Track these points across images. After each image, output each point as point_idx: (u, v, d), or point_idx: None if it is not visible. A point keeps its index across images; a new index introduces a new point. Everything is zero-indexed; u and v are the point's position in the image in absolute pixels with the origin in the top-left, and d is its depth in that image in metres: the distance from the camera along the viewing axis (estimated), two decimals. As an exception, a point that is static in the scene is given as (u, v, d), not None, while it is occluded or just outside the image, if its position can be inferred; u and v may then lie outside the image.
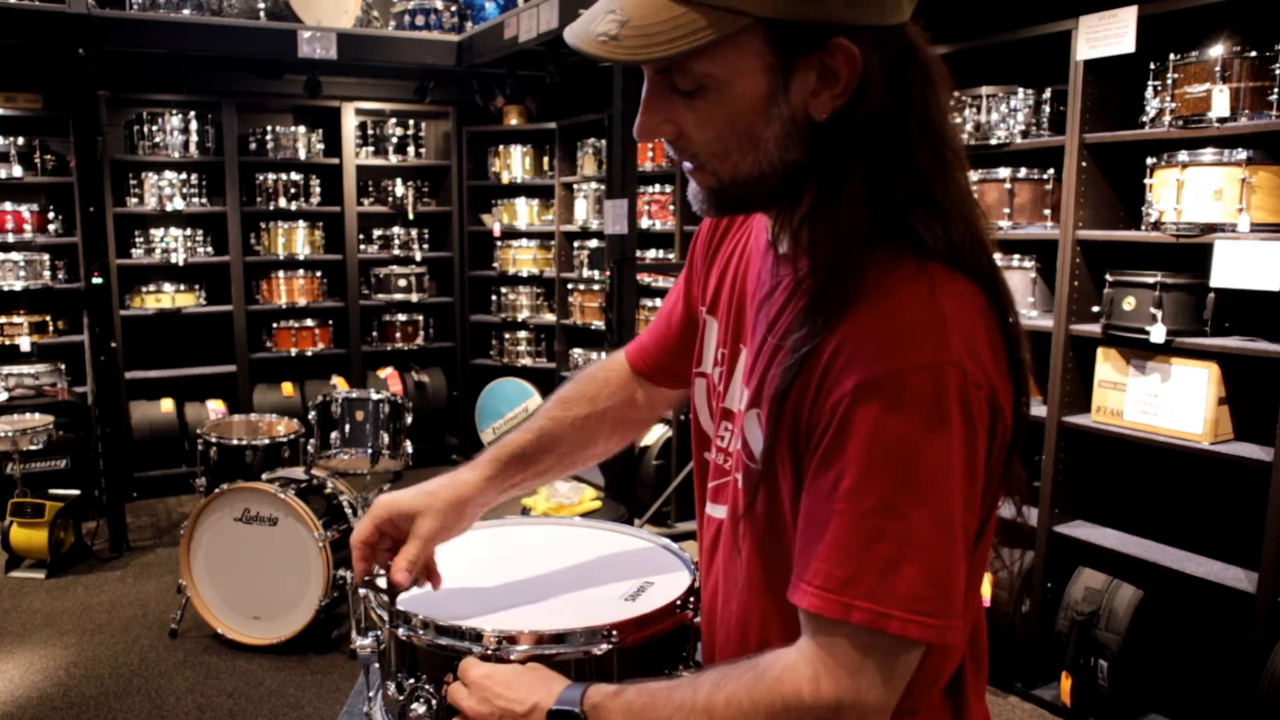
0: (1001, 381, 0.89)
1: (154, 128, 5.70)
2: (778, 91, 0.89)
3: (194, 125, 5.76)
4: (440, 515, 1.18)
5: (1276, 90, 2.71)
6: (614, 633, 1.05)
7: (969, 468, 0.86)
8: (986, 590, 3.28)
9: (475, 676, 1.01)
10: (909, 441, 0.83)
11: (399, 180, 6.35)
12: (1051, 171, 3.34)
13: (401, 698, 1.07)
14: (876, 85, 0.88)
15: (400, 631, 1.09)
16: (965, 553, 0.88)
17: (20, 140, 5.32)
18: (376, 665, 1.14)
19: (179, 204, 5.71)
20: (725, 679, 0.91)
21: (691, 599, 1.16)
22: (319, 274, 6.20)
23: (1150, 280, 2.95)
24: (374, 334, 6.47)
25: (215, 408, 5.73)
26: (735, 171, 0.93)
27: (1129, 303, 3.02)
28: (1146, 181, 3.04)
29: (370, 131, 6.30)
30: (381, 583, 1.13)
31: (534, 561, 1.30)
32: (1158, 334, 2.91)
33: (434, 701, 1.05)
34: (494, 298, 6.57)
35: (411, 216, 6.38)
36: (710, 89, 0.89)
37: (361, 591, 1.16)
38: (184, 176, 5.76)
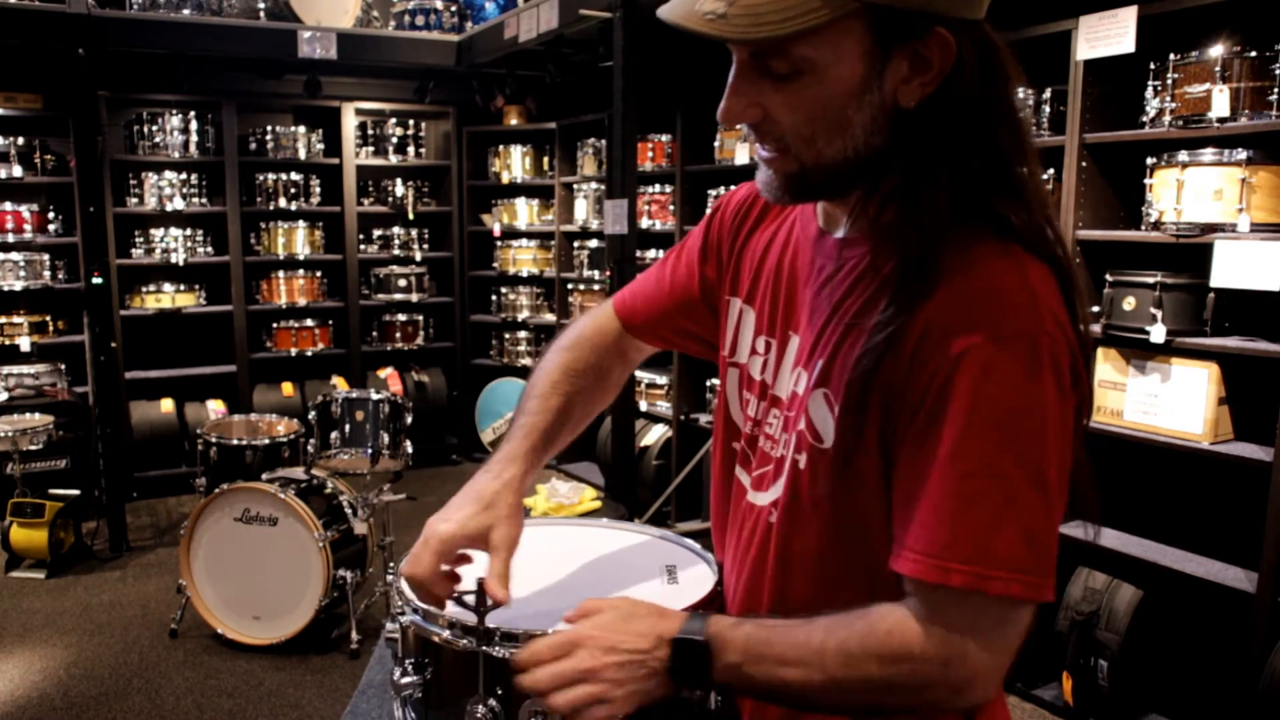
0: (1080, 357, 0.92)
1: (154, 128, 5.70)
2: (872, 77, 0.90)
3: (194, 125, 5.75)
4: (511, 521, 1.14)
5: (1276, 90, 2.71)
6: None
7: (1061, 432, 0.89)
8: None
9: (586, 632, 0.97)
10: (1007, 405, 0.86)
11: (399, 180, 6.35)
12: (1051, 171, 3.34)
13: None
14: (966, 76, 0.91)
15: (496, 651, 1.02)
16: (1058, 512, 0.90)
17: (20, 140, 5.32)
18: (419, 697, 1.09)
19: (179, 204, 5.71)
20: (837, 625, 0.94)
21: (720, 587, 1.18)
22: (319, 274, 6.20)
23: (1150, 280, 2.95)
24: (374, 334, 6.47)
25: (215, 408, 5.73)
26: (819, 157, 0.94)
27: (1129, 303, 3.02)
28: (1146, 181, 3.04)
29: (370, 131, 6.29)
30: (470, 600, 1.05)
31: (560, 564, 1.30)
32: (1158, 334, 2.91)
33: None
34: (494, 298, 6.57)
35: (411, 216, 6.38)
36: (806, 73, 0.90)
37: (406, 620, 1.09)
38: (184, 176, 5.75)
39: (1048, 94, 3.35)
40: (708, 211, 1.29)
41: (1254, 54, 2.76)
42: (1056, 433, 0.88)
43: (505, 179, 6.41)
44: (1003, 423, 0.86)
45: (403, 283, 6.36)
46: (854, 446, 0.96)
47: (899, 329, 0.91)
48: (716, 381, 4.58)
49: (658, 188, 5.37)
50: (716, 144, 4.87)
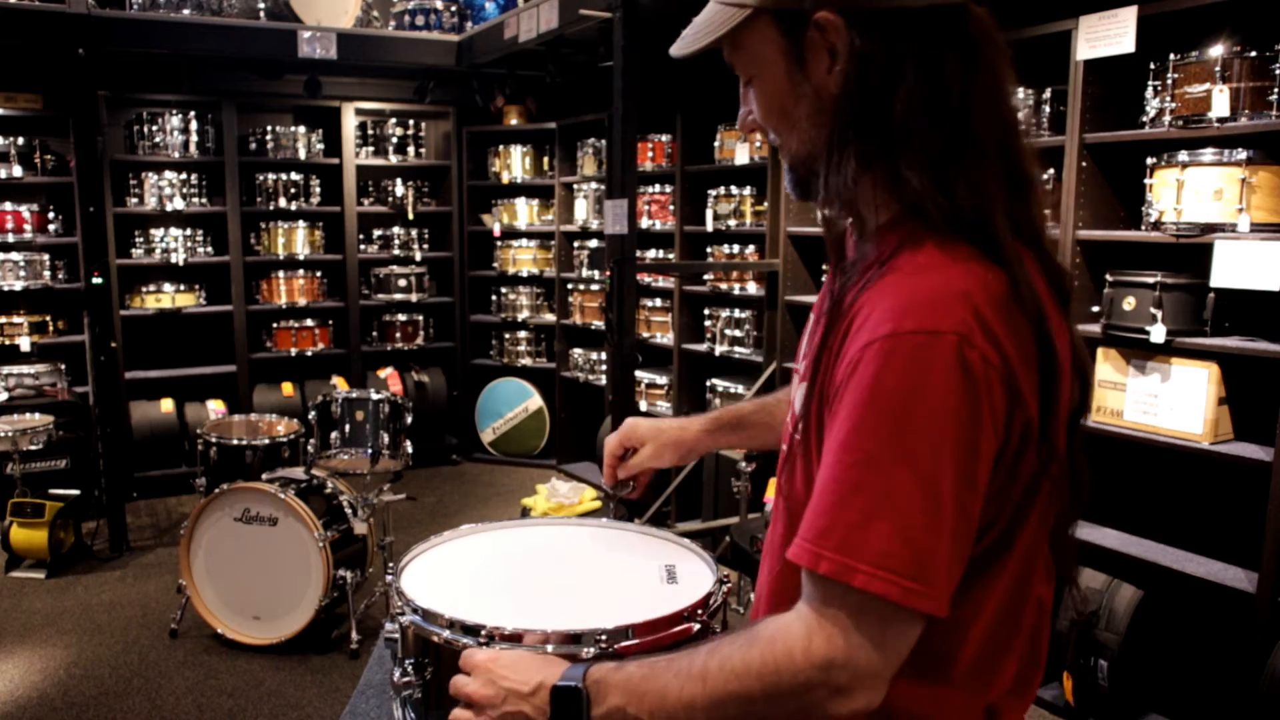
0: (1024, 370, 0.89)
1: (154, 128, 5.70)
2: (795, 72, 0.98)
3: (194, 125, 5.76)
4: (658, 448, 1.45)
5: (1276, 90, 2.71)
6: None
7: (969, 440, 0.86)
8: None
9: (480, 660, 1.03)
10: (899, 400, 0.85)
11: (399, 180, 6.35)
12: (1051, 171, 3.34)
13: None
14: (876, 60, 0.93)
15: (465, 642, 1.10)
16: (955, 525, 0.87)
17: (20, 140, 5.32)
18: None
19: (179, 204, 5.71)
20: (720, 645, 0.94)
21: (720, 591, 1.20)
22: (319, 274, 6.20)
23: (1150, 280, 2.95)
24: (374, 334, 6.47)
25: (215, 408, 5.73)
26: (789, 149, 1.04)
27: (1129, 303, 3.02)
28: (1146, 181, 3.04)
29: (370, 131, 6.30)
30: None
31: (561, 564, 1.31)
32: (1158, 334, 2.91)
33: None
34: (494, 298, 6.57)
35: (411, 216, 6.38)
36: (755, 77, 1.03)
37: (406, 621, 1.15)
38: (184, 176, 5.75)
39: (1048, 94, 3.35)
40: None
41: (1254, 54, 2.76)
42: (958, 439, 0.85)
43: (505, 179, 6.41)
44: (891, 417, 0.85)
45: (403, 283, 6.36)
46: (807, 436, 0.99)
47: (836, 319, 0.94)
48: (717, 381, 4.60)
49: (658, 188, 5.37)
50: (716, 144, 4.87)
